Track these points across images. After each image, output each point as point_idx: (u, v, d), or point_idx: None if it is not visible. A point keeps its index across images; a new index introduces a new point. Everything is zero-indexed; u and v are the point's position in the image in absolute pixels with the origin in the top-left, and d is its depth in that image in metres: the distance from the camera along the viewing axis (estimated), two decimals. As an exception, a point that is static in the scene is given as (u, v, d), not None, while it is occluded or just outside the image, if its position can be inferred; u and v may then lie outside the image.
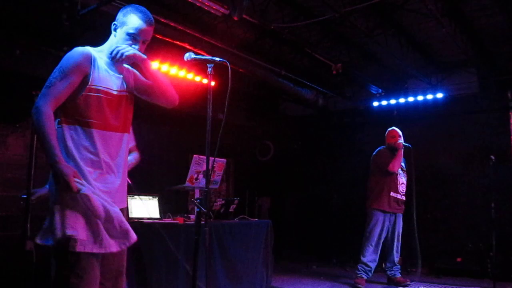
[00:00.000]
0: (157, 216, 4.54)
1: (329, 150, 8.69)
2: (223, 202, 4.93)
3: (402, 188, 5.84)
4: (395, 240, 5.77)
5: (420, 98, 7.60)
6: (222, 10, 4.53)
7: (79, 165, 2.21)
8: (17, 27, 5.09)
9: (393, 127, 5.98)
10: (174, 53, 5.84)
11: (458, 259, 6.70)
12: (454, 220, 7.40)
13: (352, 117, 8.62)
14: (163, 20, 5.00)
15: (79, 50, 2.33)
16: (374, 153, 5.93)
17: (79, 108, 2.26)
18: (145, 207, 4.46)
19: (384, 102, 8.04)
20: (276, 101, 9.14)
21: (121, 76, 2.44)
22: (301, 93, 7.70)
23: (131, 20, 2.39)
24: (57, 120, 2.26)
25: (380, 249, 5.73)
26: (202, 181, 4.43)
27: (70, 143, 2.22)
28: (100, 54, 2.39)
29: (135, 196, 4.39)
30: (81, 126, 2.26)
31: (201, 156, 4.29)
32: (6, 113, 5.29)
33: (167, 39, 5.25)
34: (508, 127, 7.25)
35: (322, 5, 5.12)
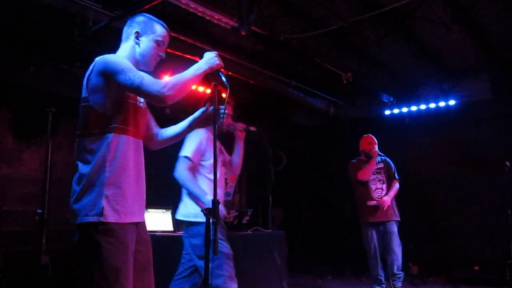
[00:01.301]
0: (171, 229, 4.55)
1: (341, 159, 8.63)
2: (236, 213, 4.93)
3: (378, 193, 5.57)
4: (390, 248, 5.43)
5: (432, 105, 7.56)
6: (231, 23, 4.57)
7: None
8: (30, 44, 5.18)
9: (369, 134, 5.79)
10: (185, 67, 5.88)
11: (476, 268, 6.60)
12: (471, 228, 7.29)
13: (364, 126, 8.57)
14: (173, 34, 5.05)
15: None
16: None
17: (119, 115, 2.21)
18: (159, 220, 4.48)
19: (396, 110, 8.01)
20: (287, 111, 9.15)
21: None
22: (312, 103, 7.70)
23: (156, 28, 2.39)
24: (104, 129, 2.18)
25: (379, 259, 5.54)
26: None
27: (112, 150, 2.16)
28: None
29: (149, 210, 4.41)
30: (121, 133, 2.20)
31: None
32: (21, 129, 5.37)
33: (177, 53, 5.30)
34: (522, 132, 7.17)
35: (330, 15, 5.14)
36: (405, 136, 7.87)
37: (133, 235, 2.24)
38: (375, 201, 5.47)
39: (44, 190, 4.01)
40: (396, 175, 5.68)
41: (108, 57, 2.24)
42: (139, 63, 2.40)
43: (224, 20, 4.68)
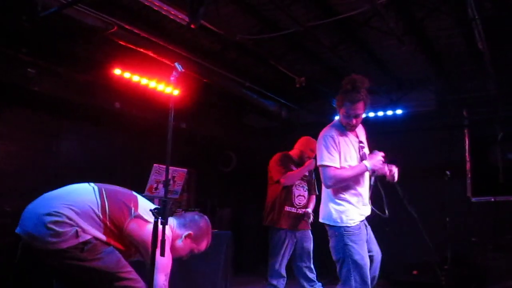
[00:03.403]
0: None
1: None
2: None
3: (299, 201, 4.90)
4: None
5: (380, 113, 7.77)
6: (187, 19, 4.50)
7: None
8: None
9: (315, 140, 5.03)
10: (137, 61, 5.77)
11: (414, 272, 6.84)
12: (411, 234, 7.54)
13: (315, 131, 8.62)
14: (127, 27, 4.93)
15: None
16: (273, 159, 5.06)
17: None
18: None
19: (345, 116, 8.15)
20: (240, 112, 9.15)
21: None
22: (265, 105, 7.73)
23: (203, 244, 2.97)
24: None
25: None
26: (162, 191, 4.35)
27: None
28: None
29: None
30: None
31: (162, 165, 4.22)
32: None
33: (130, 46, 5.17)
34: (463, 144, 7.50)
35: (287, 18, 5.18)
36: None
37: None
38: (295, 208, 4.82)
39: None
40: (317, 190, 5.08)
41: None
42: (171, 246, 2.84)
43: (180, 16, 4.61)
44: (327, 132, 3.45)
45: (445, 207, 6.14)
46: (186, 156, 7.12)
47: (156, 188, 4.26)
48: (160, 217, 2.36)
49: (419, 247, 7.33)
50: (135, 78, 6.05)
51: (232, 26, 5.36)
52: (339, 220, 3.27)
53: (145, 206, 2.69)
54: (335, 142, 3.34)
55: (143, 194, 4.24)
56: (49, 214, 2.40)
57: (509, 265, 6.02)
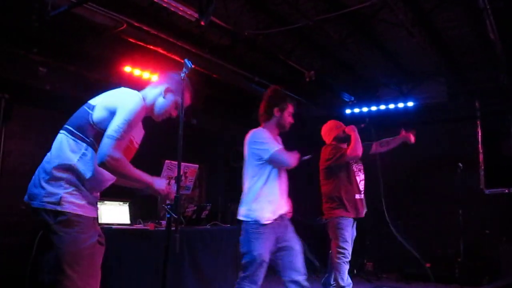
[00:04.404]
0: (128, 222, 4.48)
1: (302, 156, 8.70)
2: (195, 208, 4.89)
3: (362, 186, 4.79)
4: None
5: (391, 106, 7.73)
6: (195, 15, 4.51)
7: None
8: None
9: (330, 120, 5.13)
10: (147, 58, 5.79)
11: (427, 265, 6.81)
12: (424, 227, 7.52)
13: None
14: (136, 24, 4.95)
15: (141, 103, 2.44)
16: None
17: None
18: (115, 213, 4.39)
19: (356, 110, 8.14)
20: (249, 107, 9.14)
21: (143, 130, 2.66)
22: (275, 100, 7.71)
23: (185, 94, 2.56)
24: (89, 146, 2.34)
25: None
26: (174, 187, 4.38)
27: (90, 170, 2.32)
28: None
29: (105, 202, 4.32)
30: None
31: (173, 162, 4.25)
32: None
33: (139, 43, 5.20)
34: (476, 135, 7.43)
35: (296, 13, 5.17)
36: (364, 136, 8.06)
37: None
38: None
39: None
40: None
41: (130, 103, 2.38)
42: (153, 111, 2.63)
43: (188, 12, 4.62)
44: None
45: (458, 199, 6.09)
46: (197, 152, 7.14)
47: (168, 184, 4.28)
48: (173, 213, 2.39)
49: (432, 240, 7.32)
50: (145, 75, 6.08)
51: (241, 21, 5.36)
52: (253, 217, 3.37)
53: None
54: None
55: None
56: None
57: (523, 257, 5.98)
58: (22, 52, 5.23)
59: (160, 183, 2.52)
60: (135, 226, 4.43)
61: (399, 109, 7.66)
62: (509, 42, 5.64)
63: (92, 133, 2.34)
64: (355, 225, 4.67)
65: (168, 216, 2.44)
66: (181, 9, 4.60)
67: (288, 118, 3.79)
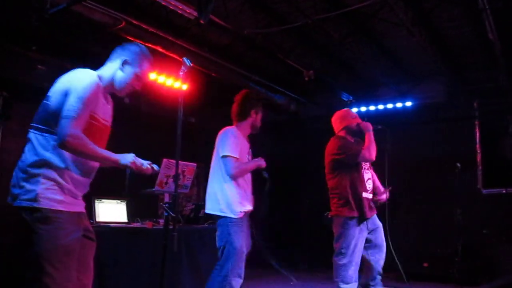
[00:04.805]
0: (125, 220, 4.47)
1: (301, 156, 8.72)
2: (193, 206, 4.89)
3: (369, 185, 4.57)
4: (377, 245, 4.62)
5: (390, 105, 7.73)
6: (195, 13, 4.51)
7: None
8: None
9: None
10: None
11: (425, 264, 6.82)
12: (422, 226, 7.53)
13: (324, 124, 8.66)
14: (135, 22, 4.94)
15: (94, 79, 2.37)
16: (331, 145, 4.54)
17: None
18: (113, 211, 4.39)
19: (355, 109, 8.12)
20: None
21: (110, 107, 2.57)
22: (273, 99, 7.72)
23: (144, 64, 2.56)
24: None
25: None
26: (172, 185, 4.37)
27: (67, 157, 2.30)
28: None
29: (103, 200, 4.31)
30: None
31: (171, 160, 4.24)
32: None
33: (138, 41, 5.18)
34: (474, 135, 7.44)
35: (295, 12, 5.16)
36: (380, 139, 8.15)
37: None
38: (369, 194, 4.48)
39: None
40: None
41: (82, 81, 2.34)
42: (113, 86, 2.56)
43: (187, 11, 4.61)
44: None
45: (456, 199, 6.09)
46: (195, 150, 7.14)
47: (166, 183, 4.28)
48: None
49: (430, 240, 7.33)
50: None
51: (240, 20, 5.36)
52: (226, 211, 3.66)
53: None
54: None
55: (153, 189, 4.29)
56: None
57: (521, 257, 5.99)
58: (20, 50, 5.23)
59: (125, 158, 2.43)
60: (133, 225, 4.43)
61: (398, 109, 7.66)
62: (508, 42, 5.64)
63: (56, 122, 2.30)
64: (365, 225, 4.35)
65: (166, 214, 2.44)
66: (180, 7, 4.59)
67: (259, 121, 4.20)
